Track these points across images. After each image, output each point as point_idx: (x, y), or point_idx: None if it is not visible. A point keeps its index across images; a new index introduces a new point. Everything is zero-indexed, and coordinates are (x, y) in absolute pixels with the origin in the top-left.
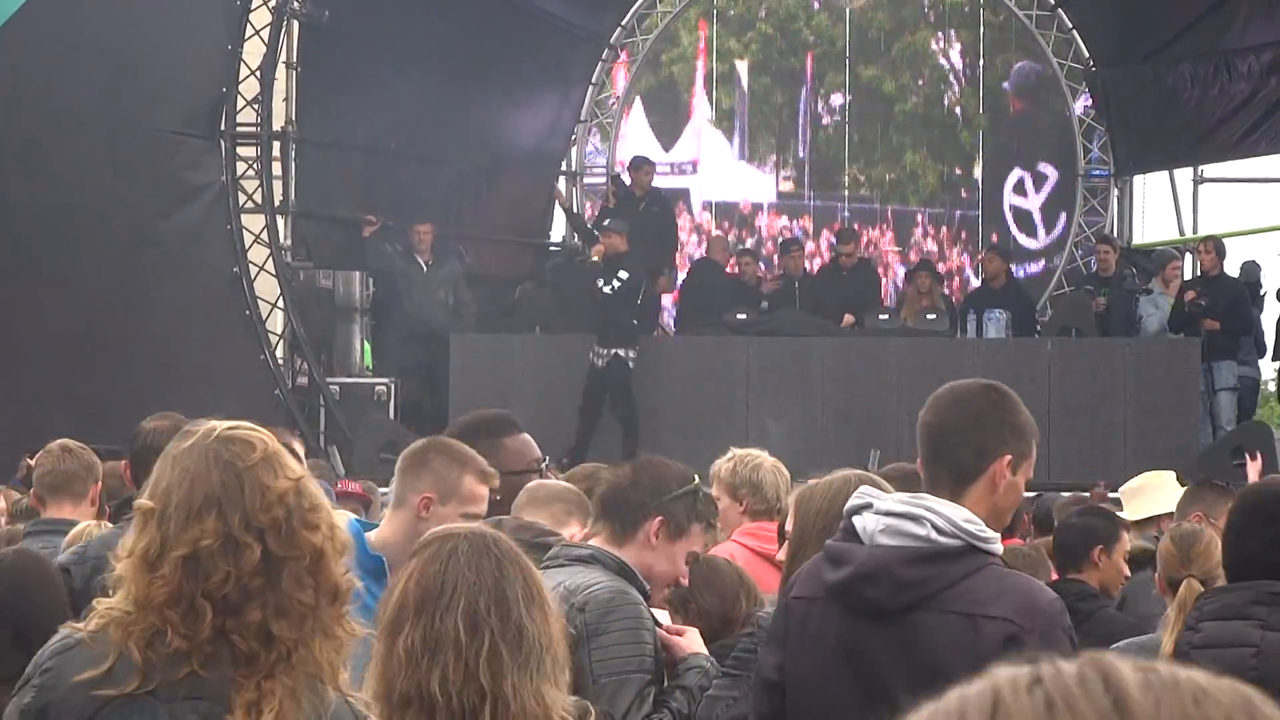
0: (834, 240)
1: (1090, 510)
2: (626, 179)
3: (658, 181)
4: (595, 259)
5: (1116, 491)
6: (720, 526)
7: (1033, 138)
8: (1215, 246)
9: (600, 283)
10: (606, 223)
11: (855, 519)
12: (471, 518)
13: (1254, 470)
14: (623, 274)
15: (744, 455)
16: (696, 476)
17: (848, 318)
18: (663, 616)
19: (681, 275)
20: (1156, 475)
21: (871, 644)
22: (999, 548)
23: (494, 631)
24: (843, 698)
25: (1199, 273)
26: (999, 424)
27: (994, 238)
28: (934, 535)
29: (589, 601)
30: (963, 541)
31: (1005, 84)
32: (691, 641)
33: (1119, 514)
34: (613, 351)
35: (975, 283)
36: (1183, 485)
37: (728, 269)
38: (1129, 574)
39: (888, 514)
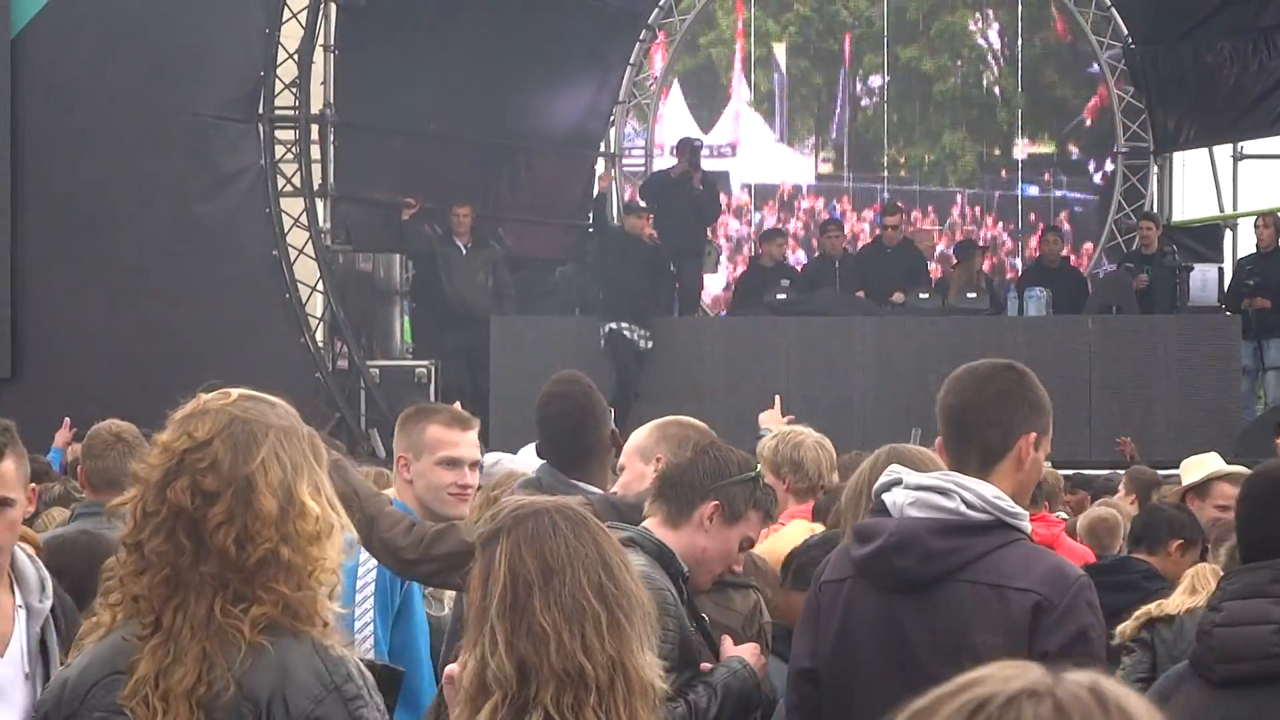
0: (877, 217)
1: (1184, 509)
2: (673, 161)
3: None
4: (647, 235)
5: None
6: None
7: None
8: (1274, 222)
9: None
10: (643, 205)
11: (885, 495)
12: (454, 462)
13: None
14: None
15: (787, 433)
16: (759, 465)
17: (898, 295)
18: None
19: (727, 266)
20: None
21: (901, 617)
22: (1028, 525)
23: (616, 602)
24: (876, 674)
25: (1255, 248)
26: (1021, 401)
27: (1032, 217)
28: (963, 509)
29: None
30: (992, 516)
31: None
32: (742, 650)
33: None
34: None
35: (1014, 262)
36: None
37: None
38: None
39: (917, 488)
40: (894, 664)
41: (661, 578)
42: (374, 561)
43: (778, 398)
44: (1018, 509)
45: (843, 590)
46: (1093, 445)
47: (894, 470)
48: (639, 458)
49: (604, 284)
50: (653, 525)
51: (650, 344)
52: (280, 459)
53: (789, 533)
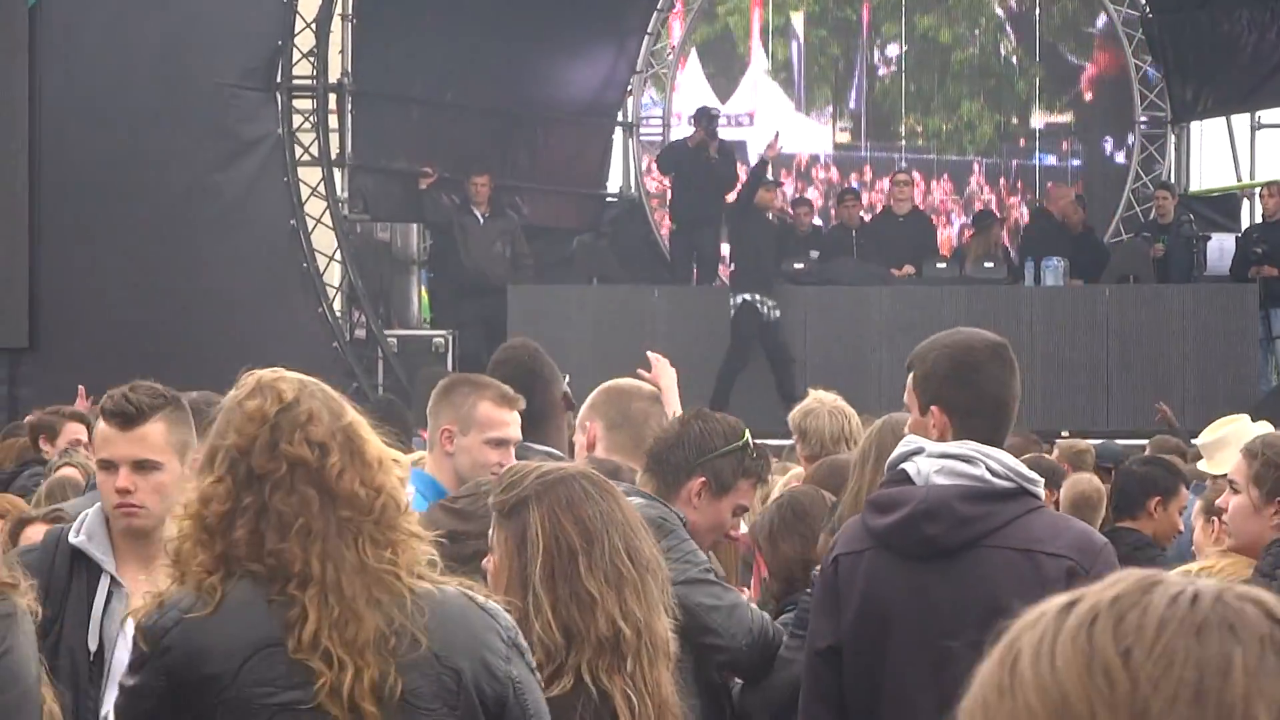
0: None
1: (1153, 460)
2: (690, 130)
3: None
4: (775, 206)
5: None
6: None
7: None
8: (1278, 191)
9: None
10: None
11: (906, 465)
12: (501, 442)
13: None
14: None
15: (809, 400)
16: (746, 431)
17: (906, 268)
18: None
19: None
20: (1232, 423)
21: (930, 585)
22: (1043, 492)
23: (645, 566)
24: (906, 644)
25: (1261, 218)
26: (1015, 379)
27: (1049, 186)
28: (988, 475)
29: None
30: (1015, 484)
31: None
32: None
33: (1182, 465)
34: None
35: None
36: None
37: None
38: (1182, 529)
39: (942, 455)
40: (925, 633)
41: (666, 512)
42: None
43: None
44: (1035, 476)
45: (862, 562)
46: (1109, 414)
47: (911, 440)
48: (579, 429)
49: (734, 256)
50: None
51: (778, 313)
52: (357, 413)
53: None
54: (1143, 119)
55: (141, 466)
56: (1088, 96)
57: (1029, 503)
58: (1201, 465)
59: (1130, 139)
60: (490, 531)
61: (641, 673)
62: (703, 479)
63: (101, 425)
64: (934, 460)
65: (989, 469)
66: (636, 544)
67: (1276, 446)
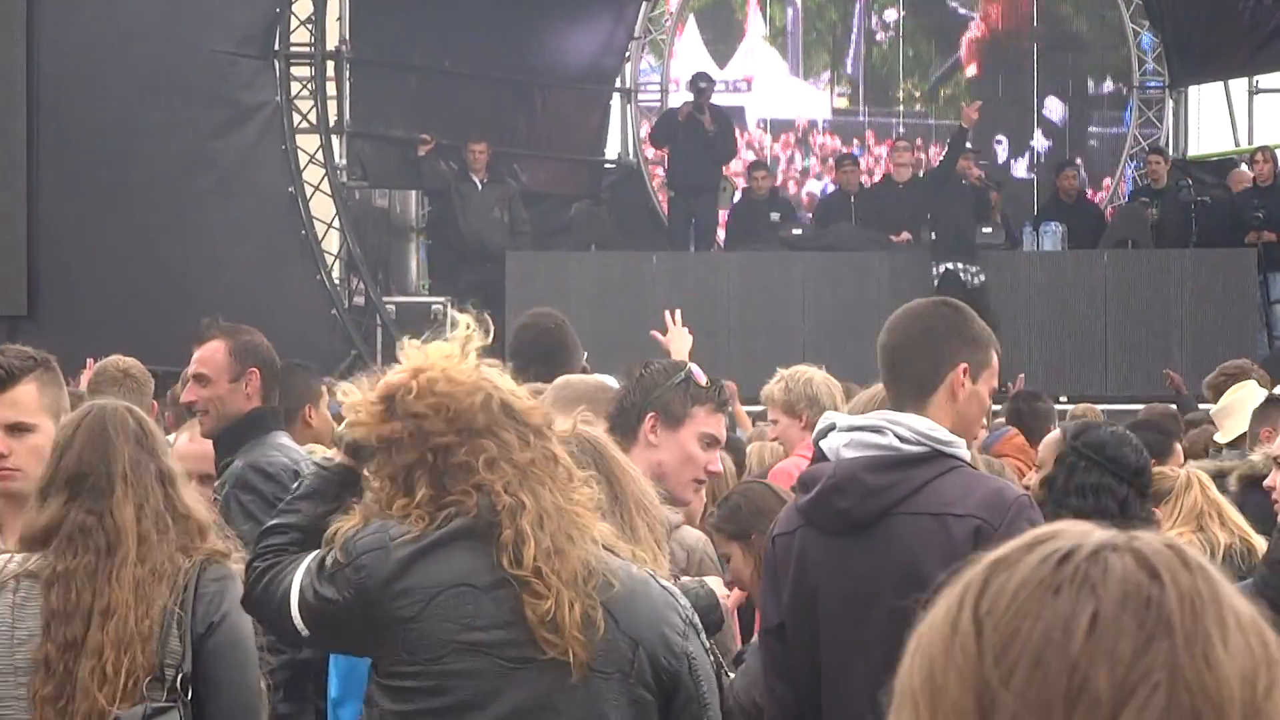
0: (888, 152)
1: (1145, 424)
2: (688, 96)
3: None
4: (976, 175)
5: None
6: (778, 442)
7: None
8: (1273, 156)
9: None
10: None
11: (822, 442)
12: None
13: None
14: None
15: (792, 373)
16: (689, 364)
17: (903, 235)
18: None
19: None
20: (1242, 389)
21: (851, 557)
22: (965, 453)
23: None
24: (836, 617)
25: (1254, 183)
26: (951, 334)
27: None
28: (896, 443)
29: None
30: (927, 448)
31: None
32: (709, 578)
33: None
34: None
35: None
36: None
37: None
38: None
39: (850, 429)
40: (852, 605)
41: None
42: None
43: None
44: (952, 438)
45: (794, 541)
46: (1107, 379)
47: (828, 416)
48: None
49: (934, 225)
50: None
51: (981, 279)
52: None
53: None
54: (1140, 84)
55: (15, 429)
56: (1086, 61)
57: (943, 464)
58: (1218, 437)
59: (1129, 104)
60: None
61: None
62: (652, 414)
63: None
64: (843, 434)
65: (897, 436)
66: (635, 516)
67: None
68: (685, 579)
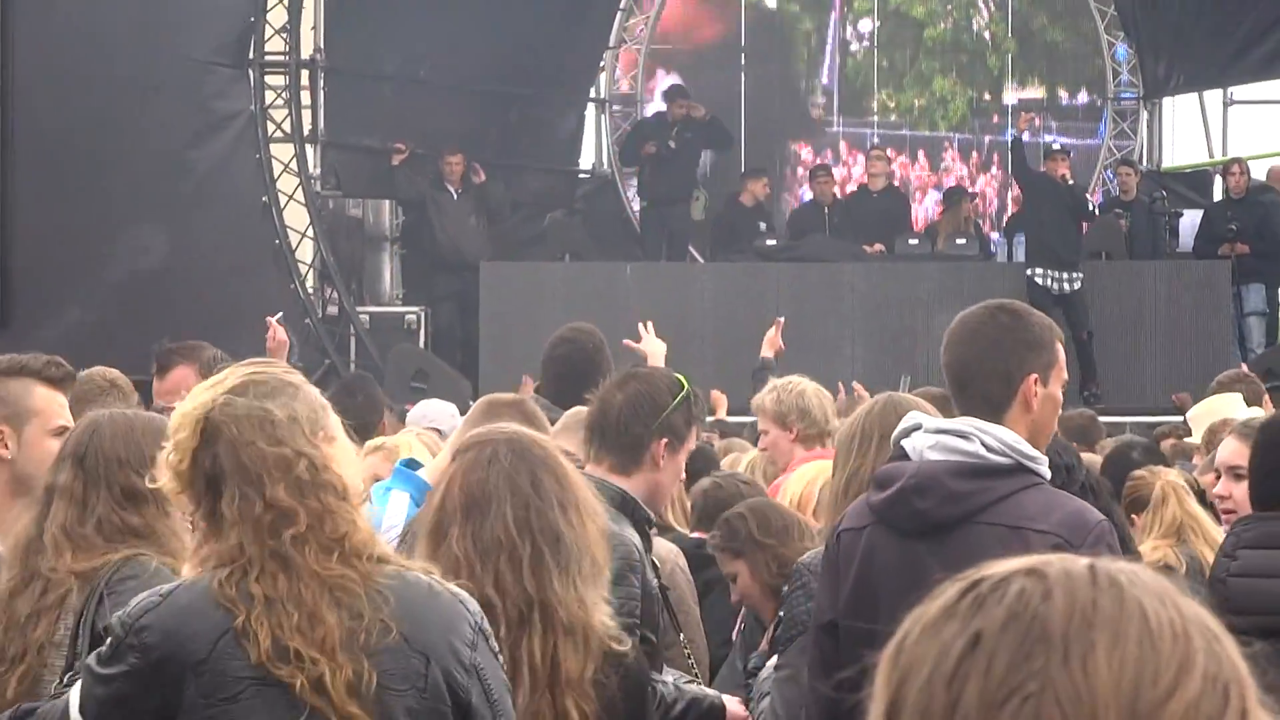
0: (865, 159)
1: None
2: (662, 107)
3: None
4: (1072, 180)
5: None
6: (772, 459)
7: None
8: (1246, 168)
9: (1089, 206)
10: (1058, 146)
11: (905, 441)
12: None
13: None
14: (1089, 196)
15: (784, 383)
16: (682, 379)
17: (876, 246)
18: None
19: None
20: (1222, 398)
21: (921, 560)
22: (1047, 471)
23: (536, 535)
24: (896, 620)
25: (1226, 194)
26: (1018, 344)
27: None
28: (983, 451)
29: None
30: (1012, 460)
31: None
32: (728, 699)
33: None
34: (1080, 275)
35: (1000, 207)
36: (1250, 405)
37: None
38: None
39: (937, 431)
40: (912, 608)
41: (626, 531)
42: (395, 534)
43: (780, 320)
44: (1036, 453)
45: (861, 538)
46: (1076, 391)
47: (913, 416)
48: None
49: (1027, 229)
50: (601, 474)
51: (1073, 286)
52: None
53: (806, 475)
54: (1114, 95)
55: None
56: (1061, 72)
57: (1026, 479)
58: (1193, 440)
59: (1103, 115)
60: None
61: (526, 645)
62: (664, 440)
63: None
64: (929, 436)
65: (984, 444)
66: (536, 514)
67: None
68: (692, 687)
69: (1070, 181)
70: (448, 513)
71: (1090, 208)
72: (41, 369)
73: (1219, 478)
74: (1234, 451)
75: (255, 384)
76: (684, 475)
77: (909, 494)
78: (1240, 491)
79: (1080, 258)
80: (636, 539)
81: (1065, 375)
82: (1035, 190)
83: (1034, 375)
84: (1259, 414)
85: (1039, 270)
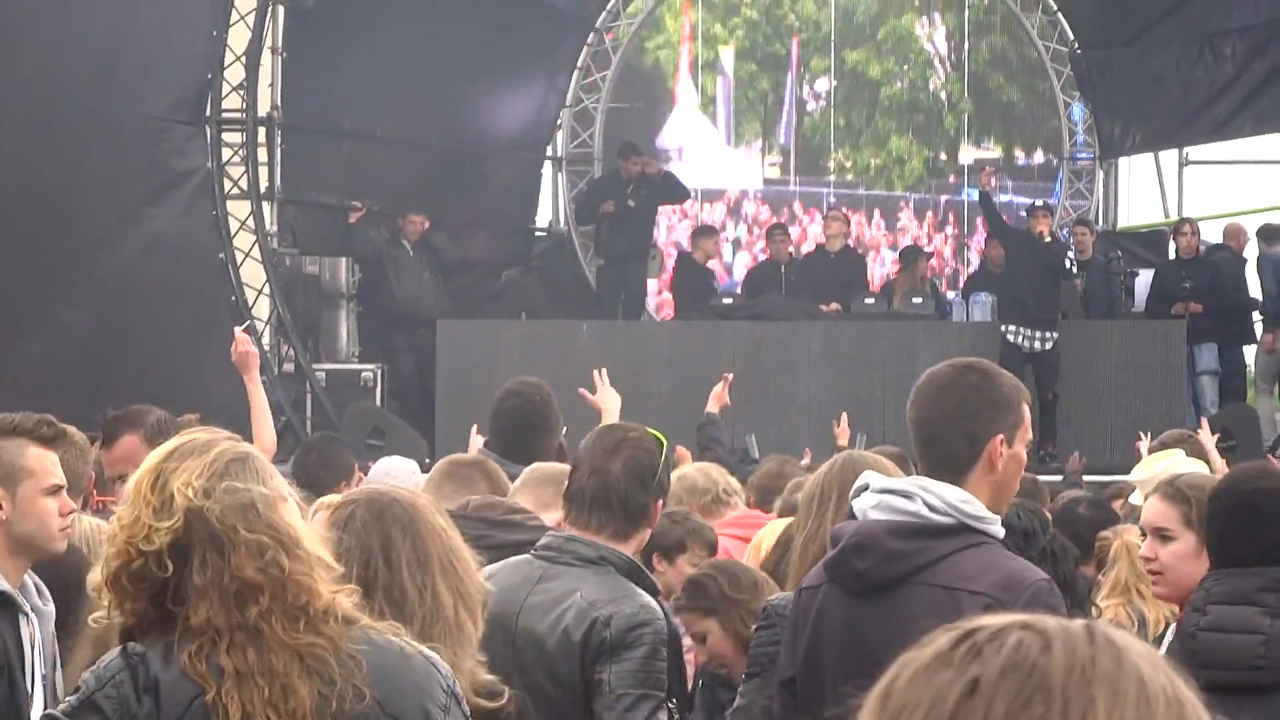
0: (823, 219)
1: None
2: (617, 164)
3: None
4: (1049, 238)
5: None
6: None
7: (1018, 122)
8: (1197, 228)
9: (1067, 263)
10: (1040, 203)
11: (855, 501)
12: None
13: None
14: (1072, 253)
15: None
16: (660, 436)
17: (833, 305)
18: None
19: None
20: (1167, 457)
21: (863, 621)
22: (998, 530)
23: (380, 595)
24: (841, 680)
25: (1177, 254)
26: (983, 405)
27: (979, 222)
28: (925, 511)
29: (614, 617)
30: (954, 520)
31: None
32: None
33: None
34: (1055, 335)
35: (957, 266)
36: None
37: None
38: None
39: (882, 490)
40: (857, 670)
41: (656, 608)
42: None
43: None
44: (985, 513)
45: (817, 596)
46: (1034, 452)
47: (865, 475)
48: None
49: (1003, 286)
50: (602, 541)
51: (1044, 345)
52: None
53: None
54: (1070, 155)
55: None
56: (1017, 132)
57: (969, 539)
58: (1135, 499)
59: (1059, 175)
60: None
61: None
62: (659, 500)
63: None
64: (874, 495)
65: (927, 504)
66: (379, 574)
67: (1202, 488)
68: None
69: (1048, 239)
70: None
71: (1069, 266)
72: (34, 428)
73: (1145, 537)
74: (1158, 513)
75: (229, 461)
76: None
77: (849, 554)
78: (1166, 553)
79: (1056, 316)
80: (659, 609)
81: (1030, 435)
82: (1014, 247)
83: (1000, 436)
84: (1193, 469)
85: (1011, 327)
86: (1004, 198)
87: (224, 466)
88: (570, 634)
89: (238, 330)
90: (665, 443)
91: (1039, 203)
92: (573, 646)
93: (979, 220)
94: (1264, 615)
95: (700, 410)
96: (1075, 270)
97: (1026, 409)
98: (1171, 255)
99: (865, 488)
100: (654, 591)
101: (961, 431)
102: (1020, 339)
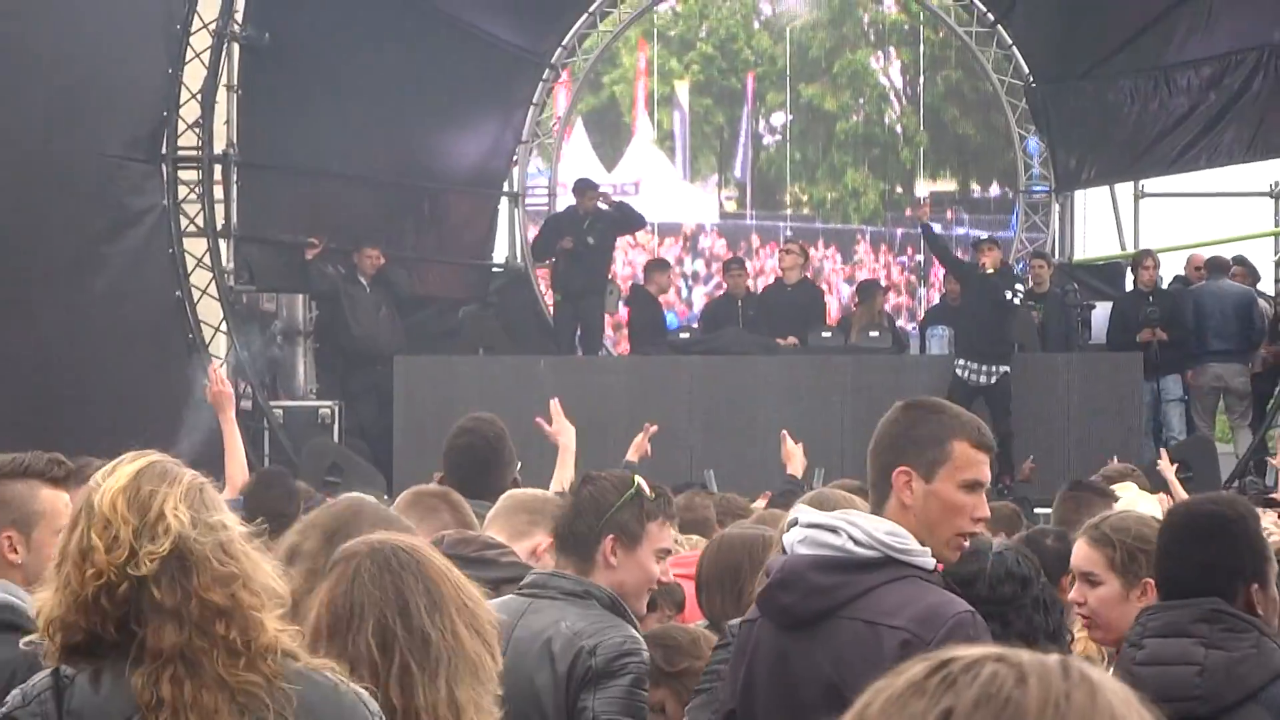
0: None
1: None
2: (572, 200)
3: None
4: (990, 270)
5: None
6: None
7: (974, 155)
8: (1157, 261)
9: (1008, 294)
10: (986, 236)
11: (784, 536)
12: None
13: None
14: (1019, 286)
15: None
16: (636, 477)
17: (790, 339)
18: None
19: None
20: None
21: (790, 655)
22: (927, 562)
23: (402, 646)
24: (769, 714)
25: (1137, 286)
26: (897, 439)
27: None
28: (849, 545)
29: (599, 646)
30: (879, 553)
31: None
32: None
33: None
34: (1003, 368)
35: (913, 302)
36: (1145, 490)
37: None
38: None
39: (808, 525)
40: (784, 704)
41: (640, 638)
42: None
43: (652, 427)
44: (912, 545)
45: (754, 630)
46: (992, 482)
47: (796, 509)
48: None
49: (955, 320)
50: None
51: (990, 379)
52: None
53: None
54: (1026, 188)
55: None
56: (973, 165)
57: (894, 572)
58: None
59: (1015, 208)
60: None
61: None
62: (611, 536)
63: None
64: (801, 530)
65: (851, 537)
66: (403, 626)
67: (1128, 530)
68: None
69: (989, 271)
70: (318, 633)
71: (1009, 298)
72: (45, 469)
73: (1074, 581)
74: (1083, 556)
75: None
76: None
77: (775, 589)
78: (1094, 597)
79: (1005, 350)
80: (643, 641)
81: (967, 474)
82: (962, 280)
83: (903, 468)
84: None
85: (960, 361)
86: (960, 230)
87: (198, 495)
88: (556, 664)
89: (212, 369)
90: (635, 484)
91: (984, 235)
92: (559, 677)
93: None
94: (1199, 646)
95: (657, 446)
96: (1017, 303)
97: (959, 447)
98: (1129, 287)
99: (794, 522)
100: (634, 624)
101: (876, 464)
102: (967, 373)
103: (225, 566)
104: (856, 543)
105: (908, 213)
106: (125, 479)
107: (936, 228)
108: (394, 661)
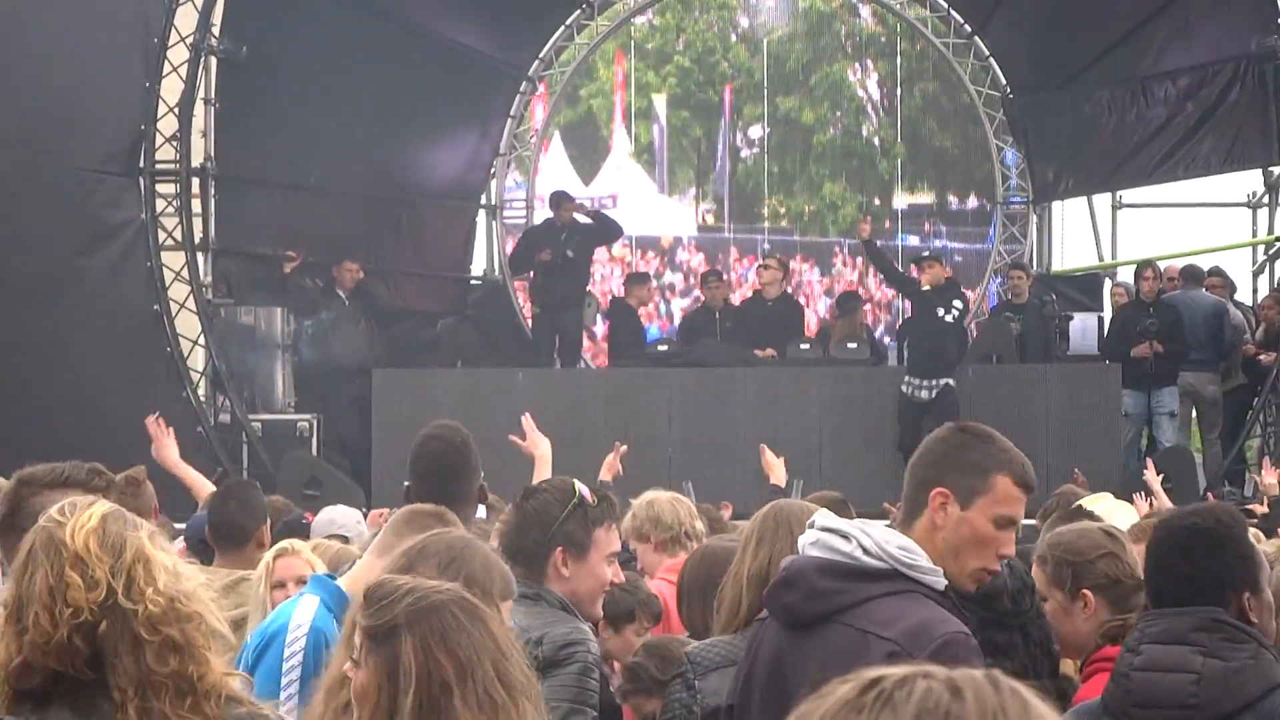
0: (757, 265)
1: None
2: (549, 213)
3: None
4: (926, 287)
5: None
6: (642, 570)
7: (951, 167)
8: (1158, 272)
9: (940, 311)
10: (927, 253)
11: (801, 536)
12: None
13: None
14: (958, 303)
15: (638, 500)
16: (576, 484)
17: (768, 351)
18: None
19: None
20: (1098, 503)
21: (788, 655)
22: (937, 581)
23: (518, 688)
24: (764, 711)
25: (1138, 296)
26: (940, 459)
27: (913, 269)
28: (858, 553)
29: (545, 637)
30: (887, 565)
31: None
32: None
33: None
34: (943, 381)
35: (889, 315)
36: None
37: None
38: None
39: (822, 529)
40: (775, 702)
41: (588, 630)
42: (302, 633)
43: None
44: (923, 562)
45: (764, 627)
46: None
47: (818, 515)
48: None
49: (941, 339)
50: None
51: (930, 394)
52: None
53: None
54: (1004, 199)
55: None
56: (950, 177)
57: (896, 585)
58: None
59: (993, 220)
60: (359, 648)
61: None
62: (560, 548)
63: None
64: (814, 533)
65: (861, 546)
66: (508, 668)
67: (1060, 543)
68: None
69: (925, 288)
70: (441, 684)
71: (941, 315)
72: (86, 479)
73: None
74: (1035, 576)
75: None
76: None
77: (779, 587)
78: (1048, 613)
79: (943, 364)
80: (590, 632)
81: (1002, 510)
82: (906, 297)
83: (941, 489)
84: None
85: (905, 378)
86: (938, 243)
87: (157, 539)
88: None
89: (149, 420)
90: (576, 494)
91: (925, 252)
92: None
93: (912, 266)
94: (1197, 654)
95: (636, 457)
96: (951, 320)
97: (1004, 481)
98: (1107, 299)
99: (812, 525)
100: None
101: (914, 478)
102: (910, 389)
103: (185, 607)
104: (865, 551)
105: (886, 224)
106: (95, 520)
107: (879, 243)
108: (514, 702)
